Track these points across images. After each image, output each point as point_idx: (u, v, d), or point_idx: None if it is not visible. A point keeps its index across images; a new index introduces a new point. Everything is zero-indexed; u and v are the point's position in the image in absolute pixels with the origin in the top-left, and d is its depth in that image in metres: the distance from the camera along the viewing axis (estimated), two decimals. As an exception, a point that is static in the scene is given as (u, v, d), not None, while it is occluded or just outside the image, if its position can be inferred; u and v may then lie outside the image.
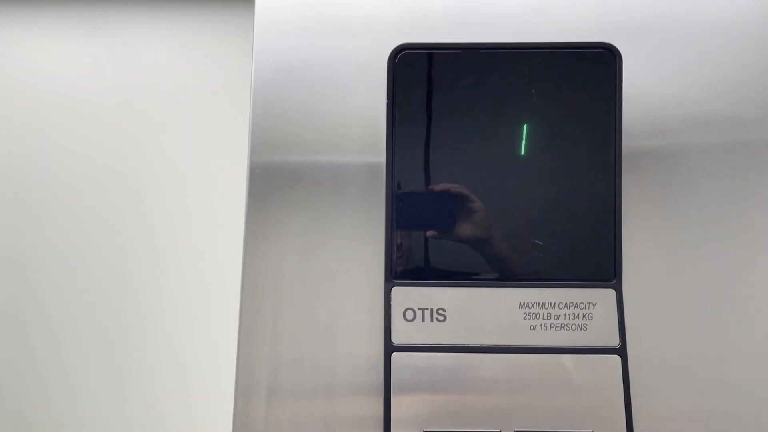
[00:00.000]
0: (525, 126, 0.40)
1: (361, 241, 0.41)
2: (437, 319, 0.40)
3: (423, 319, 0.40)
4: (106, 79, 0.93)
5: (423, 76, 0.40)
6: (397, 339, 0.40)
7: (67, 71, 0.94)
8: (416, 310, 0.40)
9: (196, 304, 0.93)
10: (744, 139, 0.41)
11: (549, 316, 0.39)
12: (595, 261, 0.40)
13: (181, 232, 0.93)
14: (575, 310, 0.39)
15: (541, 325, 0.39)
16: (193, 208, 0.92)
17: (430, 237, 0.40)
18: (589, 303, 0.39)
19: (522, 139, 0.40)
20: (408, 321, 0.40)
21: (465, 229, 0.40)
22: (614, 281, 0.39)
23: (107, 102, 0.94)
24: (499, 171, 0.40)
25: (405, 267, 0.40)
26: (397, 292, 0.40)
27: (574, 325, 0.39)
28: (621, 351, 0.39)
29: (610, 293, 0.39)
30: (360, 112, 0.42)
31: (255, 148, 0.42)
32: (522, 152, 0.40)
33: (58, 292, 0.94)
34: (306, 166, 0.42)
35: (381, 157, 0.41)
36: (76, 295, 0.93)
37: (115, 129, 0.93)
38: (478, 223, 0.40)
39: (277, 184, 0.42)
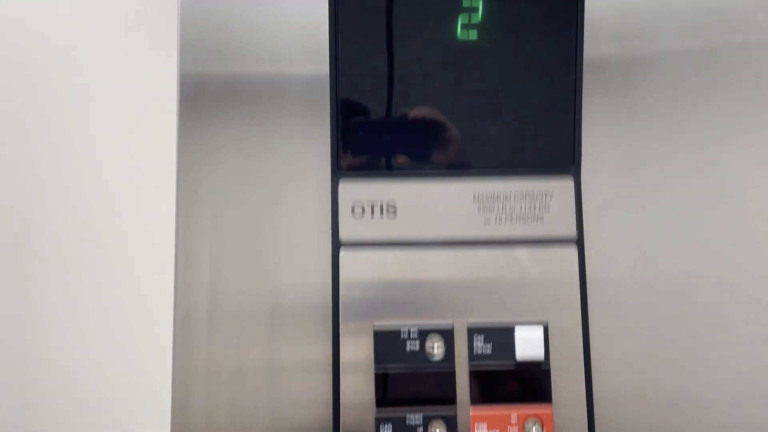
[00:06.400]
0: (480, 6, 0.37)
1: (305, 140, 0.38)
2: (388, 214, 0.38)
3: (372, 215, 0.38)
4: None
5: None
6: (345, 235, 0.38)
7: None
8: (365, 204, 0.38)
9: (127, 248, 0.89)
10: (713, 44, 0.39)
11: (504, 208, 0.38)
12: (552, 147, 0.38)
13: (105, 158, 0.87)
14: (531, 201, 0.38)
15: (496, 218, 0.38)
16: (118, 130, 0.87)
17: (380, 124, 0.38)
18: (546, 193, 0.38)
19: (477, 22, 0.37)
20: (356, 216, 0.38)
21: (417, 115, 0.37)
22: (572, 169, 0.38)
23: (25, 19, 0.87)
24: (451, 57, 0.37)
25: (353, 157, 0.38)
26: (344, 186, 0.38)
27: (530, 217, 0.38)
28: (578, 242, 0.37)
29: (568, 183, 0.38)
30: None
31: (185, 58, 0.38)
32: (476, 37, 0.37)
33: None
34: (243, 76, 0.38)
35: (325, 65, 0.37)
36: None
37: (31, 46, 0.86)
38: (430, 110, 0.37)
39: (210, 97, 0.38)
